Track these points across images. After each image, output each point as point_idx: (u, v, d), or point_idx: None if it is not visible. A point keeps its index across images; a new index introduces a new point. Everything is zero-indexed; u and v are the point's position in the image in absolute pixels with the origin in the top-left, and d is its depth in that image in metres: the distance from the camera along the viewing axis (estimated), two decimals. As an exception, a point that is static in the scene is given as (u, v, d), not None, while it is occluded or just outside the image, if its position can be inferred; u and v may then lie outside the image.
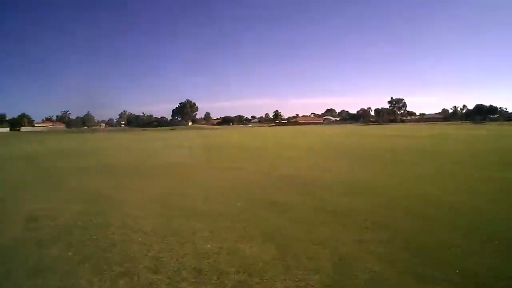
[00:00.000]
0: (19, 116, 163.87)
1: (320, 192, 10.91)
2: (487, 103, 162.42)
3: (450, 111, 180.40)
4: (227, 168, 17.52)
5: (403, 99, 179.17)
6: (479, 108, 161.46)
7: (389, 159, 20.25)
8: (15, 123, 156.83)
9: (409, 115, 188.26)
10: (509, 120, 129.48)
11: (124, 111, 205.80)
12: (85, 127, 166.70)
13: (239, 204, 9.48)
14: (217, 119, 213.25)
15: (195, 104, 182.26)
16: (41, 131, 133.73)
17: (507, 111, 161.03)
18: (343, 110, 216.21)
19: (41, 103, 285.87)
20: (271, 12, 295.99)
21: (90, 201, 10.26)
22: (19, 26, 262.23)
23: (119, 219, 8.18)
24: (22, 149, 38.12)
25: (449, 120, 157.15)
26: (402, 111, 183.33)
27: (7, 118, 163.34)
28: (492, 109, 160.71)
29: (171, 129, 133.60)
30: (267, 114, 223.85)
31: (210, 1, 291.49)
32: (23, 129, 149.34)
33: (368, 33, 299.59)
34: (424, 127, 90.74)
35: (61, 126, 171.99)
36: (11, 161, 25.46)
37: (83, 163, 21.31)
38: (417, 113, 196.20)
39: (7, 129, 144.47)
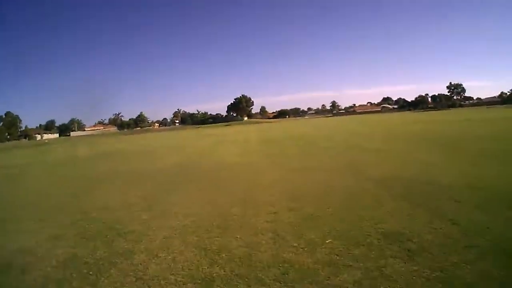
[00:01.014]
0: (69, 121, 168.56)
1: (454, 207, 7.25)
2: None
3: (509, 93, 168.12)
4: (298, 169, 13.98)
5: (461, 84, 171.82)
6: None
7: (488, 148, 16.20)
8: (65, 129, 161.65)
9: (466, 100, 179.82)
10: None
11: (178, 109, 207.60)
12: (138, 128, 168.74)
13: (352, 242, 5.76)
14: (273, 112, 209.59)
15: (250, 98, 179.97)
16: (91, 135, 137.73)
17: None
18: (400, 98, 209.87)
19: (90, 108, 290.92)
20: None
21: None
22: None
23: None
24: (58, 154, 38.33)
25: (508, 103, 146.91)
26: (459, 97, 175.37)
27: (56, 124, 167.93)
28: None
29: (226, 125, 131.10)
30: (323, 105, 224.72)
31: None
32: (73, 134, 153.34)
33: (421, 19, 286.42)
34: (485, 111, 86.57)
35: (113, 129, 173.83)
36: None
37: (124, 167, 20.19)
38: (474, 98, 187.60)
39: (56, 135, 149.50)
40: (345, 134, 33.40)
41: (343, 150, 19.71)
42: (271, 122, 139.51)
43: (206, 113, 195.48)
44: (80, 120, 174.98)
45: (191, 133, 78.63)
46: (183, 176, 14.35)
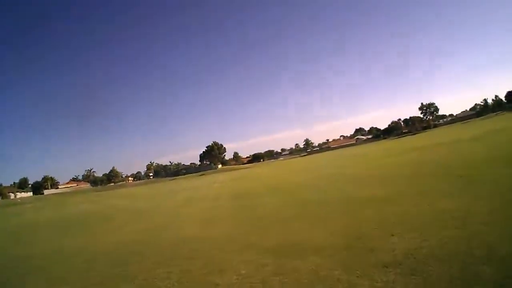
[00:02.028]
0: (42, 178, 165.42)
1: None
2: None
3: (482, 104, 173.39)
4: (276, 250, 9.12)
5: (434, 103, 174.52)
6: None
7: None
8: (38, 187, 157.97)
9: (440, 119, 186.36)
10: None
11: (151, 162, 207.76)
12: (112, 184, 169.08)
13: None
14: (247, 157, 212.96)
15: (222, 145, 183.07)
16: (63, 193, 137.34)
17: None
18: (372, 127, 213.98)
19: (65, 162, 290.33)
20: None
21: None
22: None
23: None
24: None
25: (482, 115, 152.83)
26: (432, 116, 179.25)
27: (30, 182, 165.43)
28: None
29: (200, 175, 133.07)
30: (297, 144, 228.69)
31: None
32: (46, 192, 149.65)
33: (385, 42, 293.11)
34: (464, 127, 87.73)
35: (86, 185, 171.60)
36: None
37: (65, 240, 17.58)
38: (447, 114, 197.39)
39: (30, 194, 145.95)
40: (331, 177, 29.17)
41: (337, 206, 14.61)
42: (245, 168, 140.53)
43: (179, 163, 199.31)
44: (54, 177, 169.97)
45: (162, 188, 76.08)
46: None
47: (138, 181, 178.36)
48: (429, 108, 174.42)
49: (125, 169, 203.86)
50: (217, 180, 64.70)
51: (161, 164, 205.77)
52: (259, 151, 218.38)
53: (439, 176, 17.10)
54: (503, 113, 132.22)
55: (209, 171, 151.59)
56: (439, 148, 37.01)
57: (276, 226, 12.63)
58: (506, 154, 19.95)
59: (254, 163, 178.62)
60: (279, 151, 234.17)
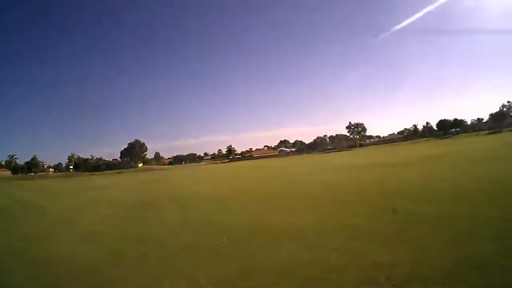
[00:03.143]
0: None
1: None
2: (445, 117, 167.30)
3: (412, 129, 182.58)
4: None
5: (362, 124, 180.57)
6: (443, 123, 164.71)
7: None
8: None
9: (368, 139, 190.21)
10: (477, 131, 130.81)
11: (72, 153, 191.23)
12: (32, 173, 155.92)
13: None
14: (169, 158, 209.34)
15: (144, 144, 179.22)
16: None
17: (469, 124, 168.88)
18: (297, 140, 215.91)
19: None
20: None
21: None
22: None
23: None
24: None
25: (410, 139, 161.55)
26: (360, 136, 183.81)
27: None
28: (456, 123, 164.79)
29: (117, 173, 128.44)
30: (220, 150, 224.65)
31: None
32: None
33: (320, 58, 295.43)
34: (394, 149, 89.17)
35: (7, 173, 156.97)
36: None
37: None
38: (374, 135, 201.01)
39: None
40: (252, 193, 25.01)
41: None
42: (164, 169, 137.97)
43: (100, 158, 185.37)
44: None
45: (73, 184, 70.39)
46: None
47: (59, 174, 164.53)
48: (356, 128, 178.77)
49: (48, 159, 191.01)
50: (130, 182, 61.60)
51: (82, 157, 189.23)
52: (182, 153, 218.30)
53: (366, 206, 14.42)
54: (432, 139, 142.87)
55: (129, 169, 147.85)
56: (372, 169, 35.11)
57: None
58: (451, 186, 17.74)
59: (174, 165, 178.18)
60: (202, 155, 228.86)
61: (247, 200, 21.19)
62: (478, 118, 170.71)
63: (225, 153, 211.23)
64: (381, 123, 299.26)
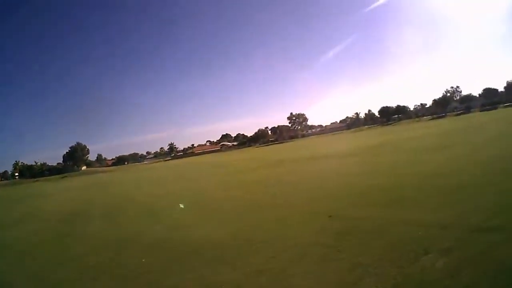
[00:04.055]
0: None
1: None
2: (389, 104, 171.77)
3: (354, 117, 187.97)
4: None
5: (304, 114, 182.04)
6: (384, 110, 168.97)
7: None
8: None
9: (310, 129, 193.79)
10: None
11: (16, 161, 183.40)
12: None
13: None
14: (112, 159, 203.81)
15: (85, 146, 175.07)
16: None
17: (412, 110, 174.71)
18: (239, 133, 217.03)
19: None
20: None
21: None
22: None
23: None
24: None
25: (353, 127, 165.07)
26: (302, 126, 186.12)
27: None
28: (399, 110, 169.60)
29: (61, 177, 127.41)
30: (162, 148, 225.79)
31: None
32: None
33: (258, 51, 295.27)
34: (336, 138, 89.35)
35: None
36: None
37: None
38: (317, 125, 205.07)
39: None
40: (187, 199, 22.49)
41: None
42: (107, 171, 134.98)
43: (44, 163, 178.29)
44: None
45: (14, 192, 70.86)
46: None
47: (5, 182, 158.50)
48: (298, 118, 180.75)
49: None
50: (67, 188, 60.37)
51: (26, 164, 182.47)
52: (125, 153, 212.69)
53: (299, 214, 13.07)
54: (375, 126, 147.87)
55: (72, 173, 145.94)
56: (311, 163, 34.34)
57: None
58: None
59: (118, 166, 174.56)
60: (145, 154, 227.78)
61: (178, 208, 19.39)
62: (421, 104, 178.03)
63: (167, 150, 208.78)
64: (324, 112, 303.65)
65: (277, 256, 8.84)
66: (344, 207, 12.81)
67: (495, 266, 6.47)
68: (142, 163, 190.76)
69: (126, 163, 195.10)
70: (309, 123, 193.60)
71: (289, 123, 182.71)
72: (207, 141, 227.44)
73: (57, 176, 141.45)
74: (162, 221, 16.43)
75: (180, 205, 12.59)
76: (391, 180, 17.32)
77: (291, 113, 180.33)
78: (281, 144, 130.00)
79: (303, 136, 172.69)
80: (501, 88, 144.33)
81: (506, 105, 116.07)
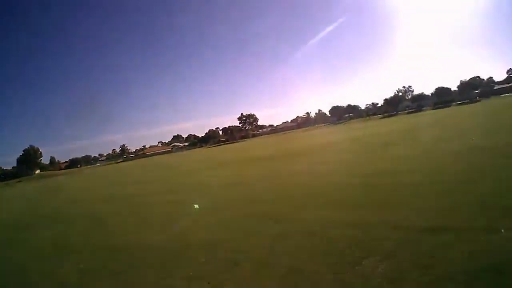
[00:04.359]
0: None
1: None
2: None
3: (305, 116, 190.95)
4: None
5: (254, 114, 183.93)
6: (336, 109, 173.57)
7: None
8: None
9: (260, 129, 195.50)
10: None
11: None
12: None
13: None
14: (65, 162, 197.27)
15: (38, 149, 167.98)
16: None
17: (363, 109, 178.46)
18: (190, 134, 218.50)
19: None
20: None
21: None
22: None
23: None
24: None
25: (303, 127, 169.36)
26: (253, 126, 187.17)
27: None
28: (350, 109, 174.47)
29: (17, 182, 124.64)
30: (114, 150, 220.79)
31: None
32: None
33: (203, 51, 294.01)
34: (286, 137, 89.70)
35: None
36: None
37: None
38: (267, 125, 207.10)
39: None
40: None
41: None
42: (59, 175, 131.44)
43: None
44: None
45: None
46: None
47: None
48: (248, 119, 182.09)
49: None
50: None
51: None
52: (77, 156, 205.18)
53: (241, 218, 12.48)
54: (326, 125, 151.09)
55: (26, 177, 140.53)
56: (255, 164, 34.28)
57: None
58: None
59: (72, 169, 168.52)
60: (97, 156, 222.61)
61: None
62: (372, 103, 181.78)
63: (119, 152, 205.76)
64: (275, 112, 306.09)
65: (211, 262, 8.51)
66: (285, 208, 12.48)
67: (442, 271, 5.98)
68: (94, 165, 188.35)
69: (79, 166, 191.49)
70: (261, 123, 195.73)
71: (240, 123, 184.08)
72: (159, 142, 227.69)
73: (13, 180, 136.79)
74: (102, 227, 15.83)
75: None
76: (334, 179, 17.10)
77: (242, 114, 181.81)
78: (231, 144, 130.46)
79: (254, 136, 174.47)
80: (454, 87, 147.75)
81: (459, 103, 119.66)
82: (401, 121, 75.57)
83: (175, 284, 7.72)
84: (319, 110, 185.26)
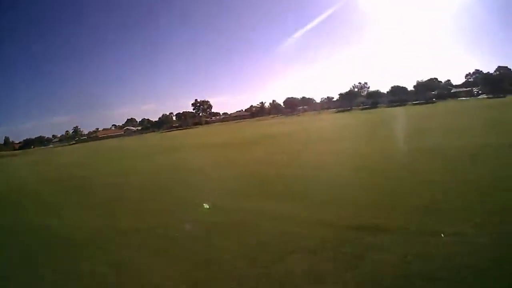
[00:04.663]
0: None
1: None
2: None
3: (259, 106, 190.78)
4: None
5: (208, 101, 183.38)
6: (289, 101, 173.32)
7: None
8: None
9: (214, 116, 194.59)
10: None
11: None
12: None
13: None
14: (19, 143, 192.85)
15: None
16: None
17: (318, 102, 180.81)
18: (144, 118, 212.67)
19: None
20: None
21: None
22: None
23: None
24: None
25: (257, 116, 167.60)
26: (207, 113, 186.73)
27: None
28: (305, 101, 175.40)
29: None
30: (67, 131, 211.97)
31: None
32: None
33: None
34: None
35: None
36: None
37: None
38: (221, 113, 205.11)
39: None
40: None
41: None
42: (11, 155, 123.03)
43: None
44: None
45: None
46: None
47: None
48: (202, 105, 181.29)
49: None
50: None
51: None
52: (31, 136, 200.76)
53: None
54: (279, 116, 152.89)
55: None
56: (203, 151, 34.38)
57: None
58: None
59: (26, 149, 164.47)
60: (51, 137, 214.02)
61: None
62: (328, 97, 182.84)
63: (72, 134, 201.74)
64: (230, 101, 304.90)
65: (141, 249, 8.54)
66: (224, 198, 12.41)
67: (369, 272, 5.73)
68: (48, 147, 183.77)
69: (32, 147, 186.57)
70: (215, 110, 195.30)
71: (193, 109, 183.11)
72: (112, 125, 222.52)
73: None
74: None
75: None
76: (278, 171, 17.07)
77: (196, 100, 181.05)
78: (184, 131, 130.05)
79: (207, 123, 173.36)
80: (410, 87, 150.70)
81: (415, 103, 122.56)
82: (351, 117, 76.93)
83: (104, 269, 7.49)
84: (273, 101, 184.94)
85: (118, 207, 13.33)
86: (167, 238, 8.89)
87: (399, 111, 74.26)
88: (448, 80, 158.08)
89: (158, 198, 14.08)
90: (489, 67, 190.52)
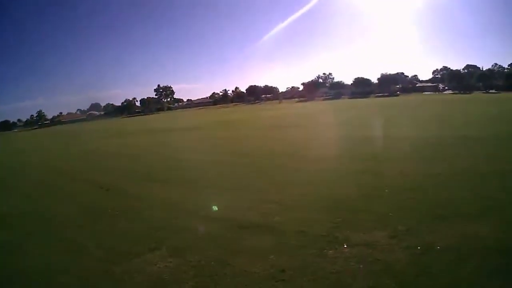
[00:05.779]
0: None
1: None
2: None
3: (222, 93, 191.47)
4: None
5: (171, 87, 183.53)
6: (252, 89, 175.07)
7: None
8: None
9: (176, 102, 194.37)
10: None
11: None
12: None
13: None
14: None
15: None
16: None
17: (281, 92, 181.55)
18: (108, 103, 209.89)
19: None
20: None
21: None
22: None
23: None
24: None
25: (220, 104, 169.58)
26: (169, 99, 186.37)
27: None
28: (268, 90, 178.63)
29: None
30: (32, 115, 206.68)
31: None
32: None
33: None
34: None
35: None
36: None
37: None
38: (185, 99, 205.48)
39: None
40: None
41: None
42: None
43: None
44: None
45: None
46: None
47: None
48: (165, 91, 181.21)
49: None
50: None
51: None
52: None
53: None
54: (241, 104, 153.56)
55: None
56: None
57: None
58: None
59: None
60: (16, 121, 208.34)
61: None
62: (292, 87, 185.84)
63: (36, 118, 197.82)
64: (194, 87, 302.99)
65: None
66: (131, 181, 12.72)
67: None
68: (12, 131, 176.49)
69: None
70: (178, 96, 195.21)
71: (156, 95, 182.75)
72: (77, 110, 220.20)
73: None
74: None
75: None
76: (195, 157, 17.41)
77: (158, 85, 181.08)
78: (145, 116, 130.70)
79: (169, 109, 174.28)
80: (374, 80, 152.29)
81: (378, 95, 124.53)
82: (308, 106, 77.06)
83: None
84: (236, 88, 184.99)
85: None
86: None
87: (354, 102, 75.47)
88: (415, 75, 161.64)
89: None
90: (458, 66, 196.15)
